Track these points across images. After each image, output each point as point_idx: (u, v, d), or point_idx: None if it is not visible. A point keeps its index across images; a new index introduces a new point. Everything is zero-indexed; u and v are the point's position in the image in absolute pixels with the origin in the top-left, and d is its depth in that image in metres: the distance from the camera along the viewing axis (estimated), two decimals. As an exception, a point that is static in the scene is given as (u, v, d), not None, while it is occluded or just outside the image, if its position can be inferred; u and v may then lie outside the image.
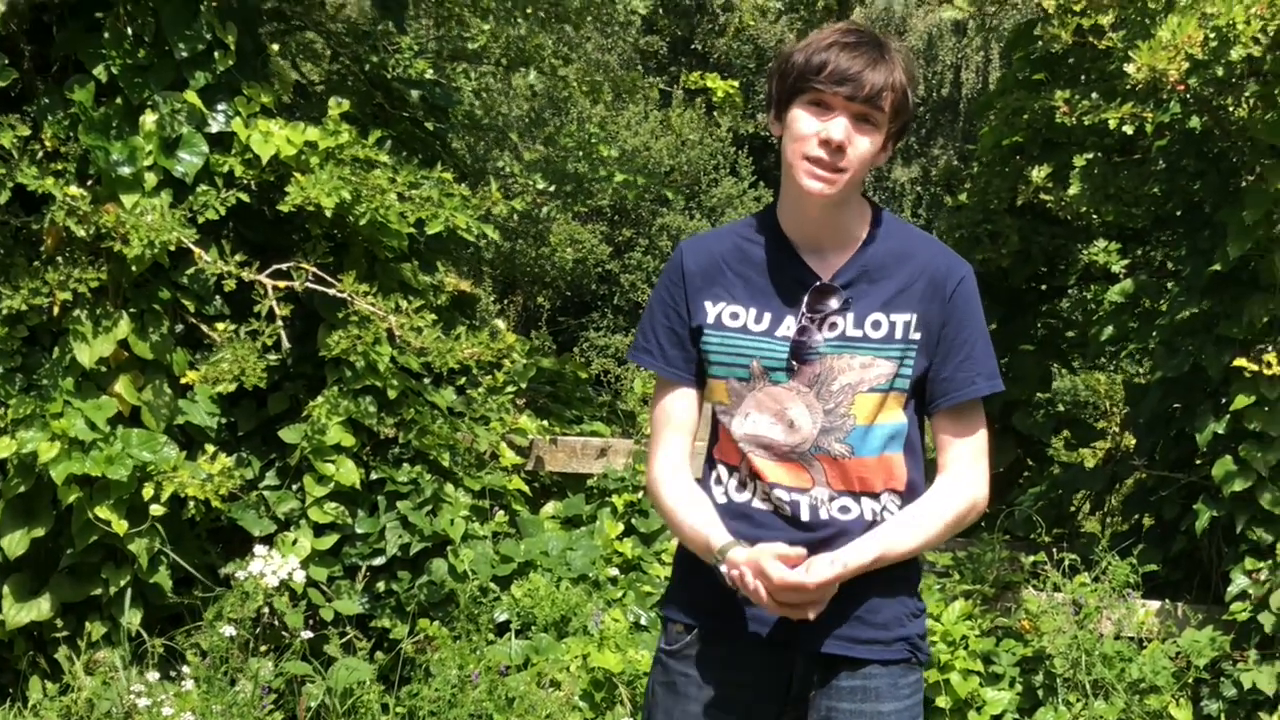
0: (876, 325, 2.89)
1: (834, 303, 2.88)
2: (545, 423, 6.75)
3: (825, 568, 2.75)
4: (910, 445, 2.96)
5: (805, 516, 2.90)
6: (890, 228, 2.97)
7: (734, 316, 2.92)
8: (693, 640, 2.97)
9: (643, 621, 6.12)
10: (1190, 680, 5.76)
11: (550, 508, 6.68)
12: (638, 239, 19.28)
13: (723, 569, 2.81)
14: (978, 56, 21.39)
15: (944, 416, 2.97)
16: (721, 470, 2.97)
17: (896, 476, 2.94)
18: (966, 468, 2.96)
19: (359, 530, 6.21)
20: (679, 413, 2.99)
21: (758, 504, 2.93)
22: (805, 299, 2.89)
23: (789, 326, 2.89)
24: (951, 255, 2.98)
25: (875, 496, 2.92)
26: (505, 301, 16.22)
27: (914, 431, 2.97)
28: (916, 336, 2.90)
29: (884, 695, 2.90)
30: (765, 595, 2.75)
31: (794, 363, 2.88)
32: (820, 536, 2.88)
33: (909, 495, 2.95)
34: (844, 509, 2.91)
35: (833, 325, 2.88)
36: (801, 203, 2.88)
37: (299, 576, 5.71)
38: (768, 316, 2.91)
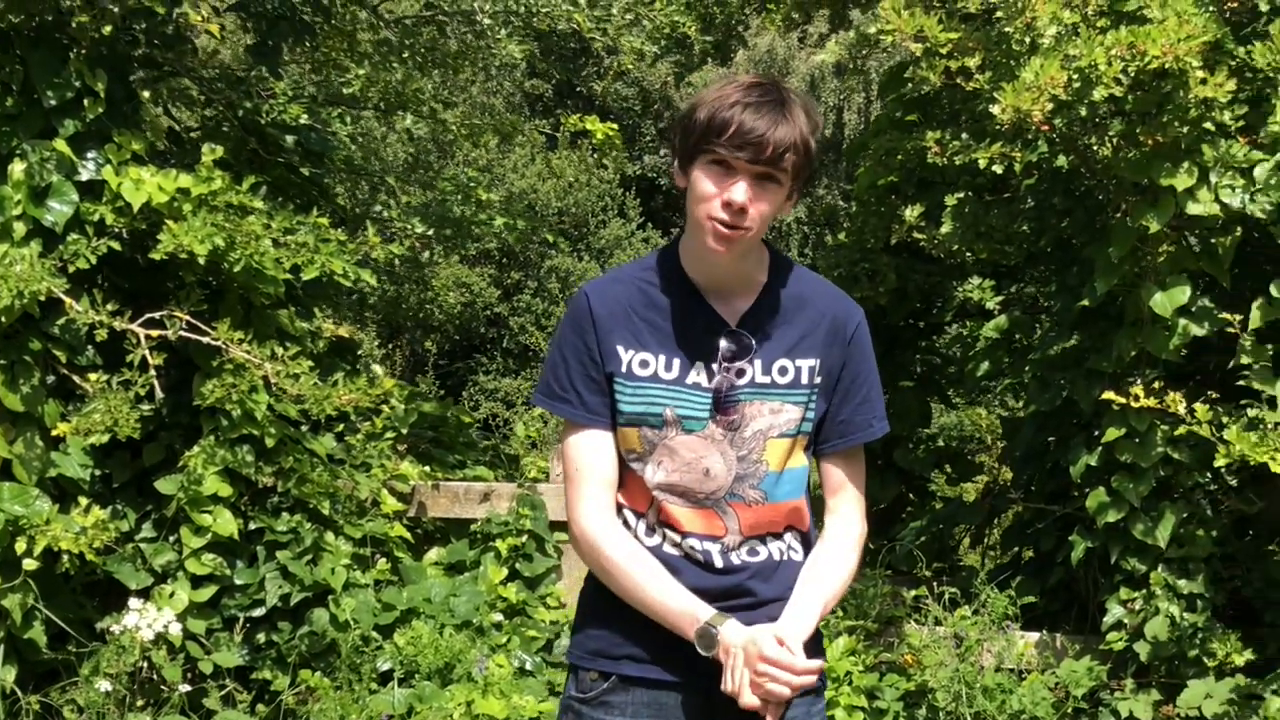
0: (783, 371, 2.91)
1: (743, 349, 2.90)
2: (427, 468, 6.71)
3: (798, 643, 2.77)
4: (808, 485, 3.01)
5: (718, 563, 2.91)
6: (787, 271, 2.99)
7: (644, 364, 2.90)
8: (610, 687, 2.94)
9: (528, 667, 6.09)
10: (1069, 710, 5.83)
11: (433, 554, 6.63)
12: (526, 282, 19.26)
13: (714, 635, 2.78)
14: (859, 98, 21.66)
15: (838, 456, 3.01)
16: (628, 515, 2.96)
17: (802, 519, 2.99)
18: (856, 508, 3.03)
19: (238, 581, 6.14)
20: (601, 459, 2.94)
21: (668, 549, 2.92)
22: (720, 346, 2.90)
23: (699, 372, 2.90)
24: (847, 298, 3.02)
25: (779, 536, 2.96)
26: (391, 346, 16.12)
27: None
28: (819, 380, 2.93)
29: None
30: (746, 685, 2.74)
31: (717, 413, 2.89)
32: (733, 581, 2.91)
33: (805, 532, 3.01)
34: (753, 551, 2.93)
35: (741, 372, 2.90)
36: (706, 253, 2.88)
37: (175, 629, 5.63)
38: (676, 363, 2.90)
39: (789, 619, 2.85)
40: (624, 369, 2.91)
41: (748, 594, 2.92)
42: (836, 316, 2.96)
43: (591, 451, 2.94)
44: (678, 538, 2.91)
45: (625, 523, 2.95)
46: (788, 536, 2.97)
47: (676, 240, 3.00)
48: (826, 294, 3.00)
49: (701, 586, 2.87)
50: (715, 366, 2.89)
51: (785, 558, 2.96)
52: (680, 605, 2.83)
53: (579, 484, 2.95)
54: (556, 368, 2.97)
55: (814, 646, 2.95)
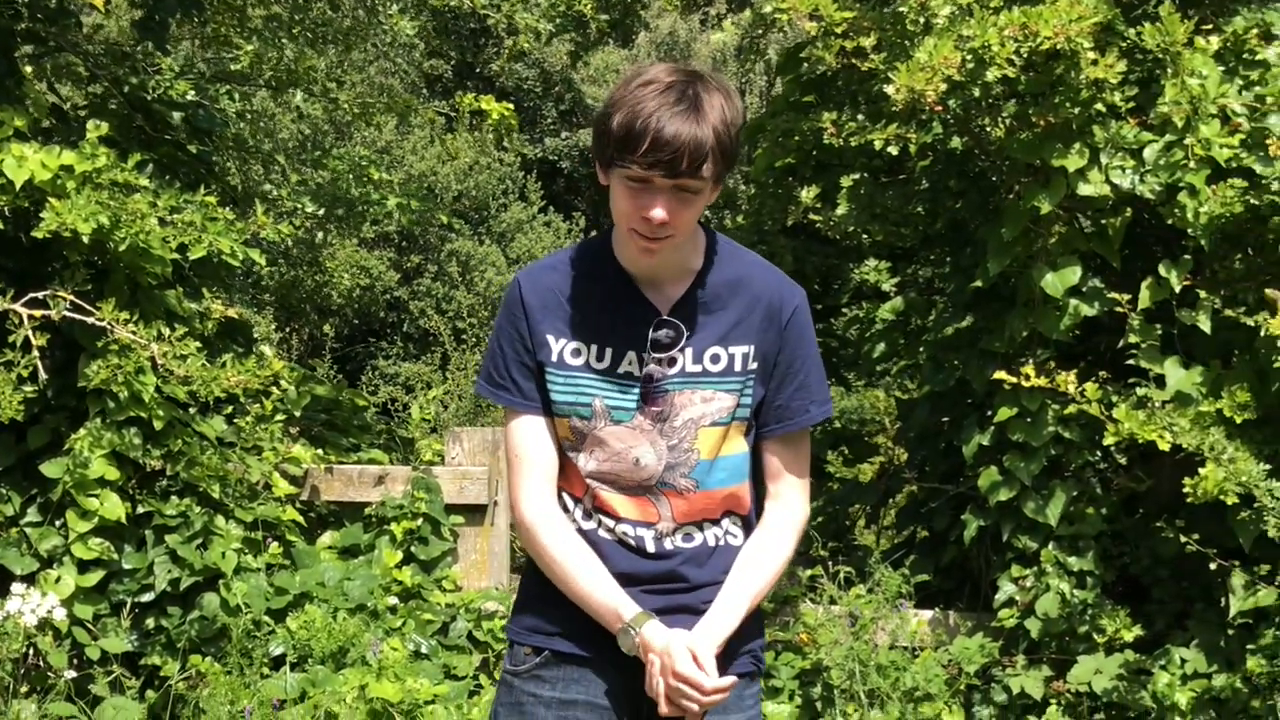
0: (715, 359, 2.90)
1: (674, 338, 2.88)
2: (320, 451, 6.63)
3: (710, 658, 2.78)
4: (750, 471, 3.02)
5: (651, 549, 2.92)
6: (724, 255, 2.97)
7: (576, 353, 2.90)
8: (542, 661, 2.97)
9: (423, 650, 6.04)
10: (962, 687, 5.88)
11: (327, 538, 6.55)
12: (426, 265, 19.11)
13: (633, 637, 2.81)
14: (760, 80, 21.70)
15: (776, 442, 3.01)
16: (567, 500, 2.97)
17: (741, 504, 3.00)
18: (797, 493, 3.03)
19: (126, 565, 6.03)
20: (541, 445, 2.95)
21: (603, 534, 2.94)
22: (649, 337, 2.88)
23: (630, 362, 2.89)
24: (785, 282, 3.00)
25: (716, 522, 2.97)
26: (288, 330, 15.93)
27: (751, 456, 3.02)
28: (754, 367, 2.92)
29: (730, 707, 2.93)
30: (662, 692, 2.78)
31: (643, 403, 2.89)
32: (665, 566, 2.93)
33: (747, 516, 3.02)
34: (688, 537, 2.95)
35: (672, 361, 2.89)
36: (631, 253, 2.88)
37: (59, 614, 5.52)
38: (609, 353, 2.89)
39: (709, 621, 2.87)
40: (554, 358, 2.90)
41: (679, 579, 2.94)
42: (772, 301, 2.94)
43: (531, 438, 2.95)
44: (612, 523, 2.93)
45: (565, 507, 2.97)
46: (725, 522, 2.98)
47: (610, 228, 2.97)
48: (764, 277, 2.97)
49: (634, 571, 2.90)
50: (646, 356, 2.88)
51: (722, 543, 2.97)
52: (606, 599, 2.86)
53: (519, 471, 2.96)
54: (495, 356, 2.97)
55: (755, 626, 3.01)
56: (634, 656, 2.85)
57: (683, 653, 2.76)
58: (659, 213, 2.75)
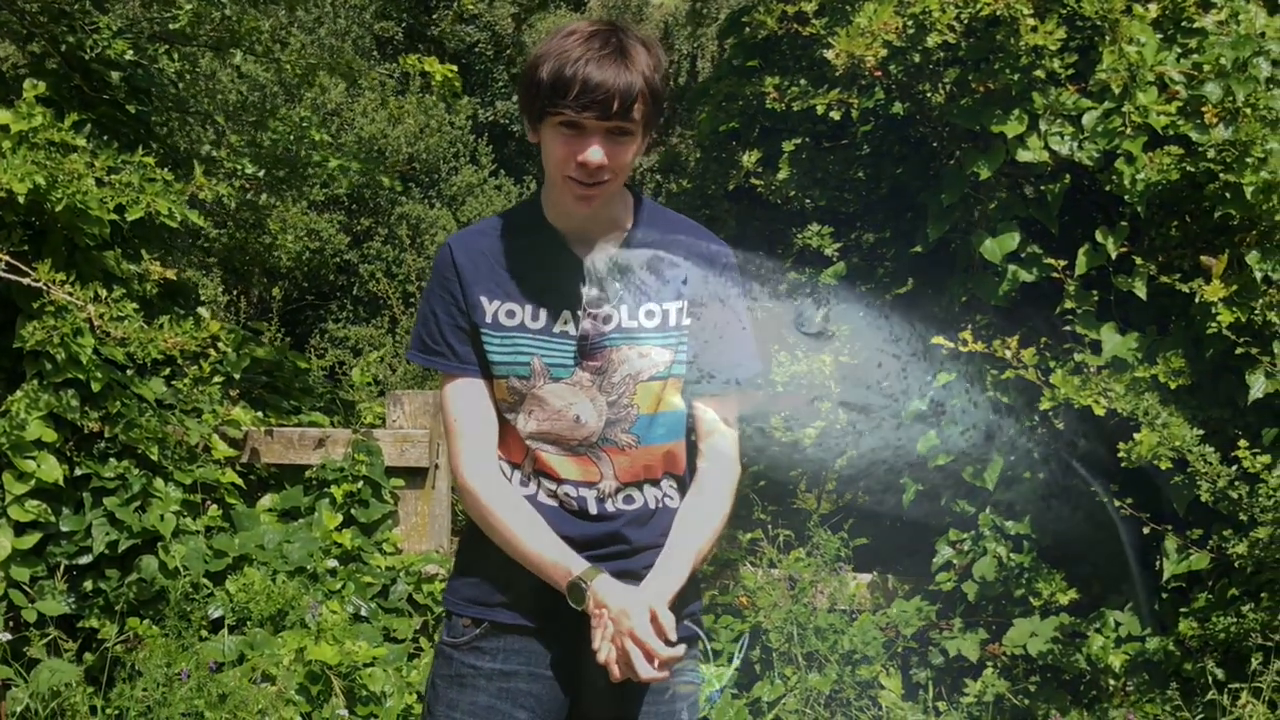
0: (650, 314, 2.92)
1: (608, 294, 2.89)
2: (261, 414, 6.60)
3: (669, 619, 2.75)
4: (686, 430, 3.04)
5: (593, 510, 2.94)
6: (652, 214, 3.00)
7: (510, 314, 2.91)
8: (482, 633, 2.97)
9: (363, 613, 6.04)
10: (900, 649, 5.93)
11: (267, 500, 6.53)
12: (377, 228, 18.99)
13: (584, 592, 2.79)
14: (713, 45, 21.64)
15: (706, 399, 3.03)
16: (504, 466, 2.97)
17: (678, 463, 3.02)
18: (729, 449, 3.05)
19: (64, 528, 6.00)
20: (478, 407, 2.96)
21: (544, 498, 2.94)
22: (582, 294, 2.89)
23: (565, 321, 2.91)
24: (713, 239, 3.03)
25: (656, 483, 2.98)
26: (235, 293, 15.81)
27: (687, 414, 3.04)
28: (688, 322, 2.95)
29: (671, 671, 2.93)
30: (614, 660, 2.75)
31: (581, 359, 2.89)
32: (607, 528, 2.94)
33: (683, 476, 3.04)
34: (629, 499, 2.96)
35: (608, 318, 2.90)
36: (569, 208, 2.89)
37: (-6, 576, 5.50)
38: (543, 313, 2.91)
39: (660, 581, 2.85)
40: (488, 319, 2.91)
41: (622, 541, 2.95)
42: (701, 257, 2.96)
43: (468, 401, 2.95)
44: (553, 485, 2.94)
45: (503, 473, 2.96)
46: (664, 484, 3.00)
47: (539, 189, 2.99)
48: (692, 235, 3.01)
49: (575, 534, 2.91)
50: (580, 313, 2.89)
51: (661, 505, 2.99)
52: (553, 557, 2.85)
53: (457, 436, 2.97)
54: (427, 321, 2.97)
55: (692, 591, 3.01)
56: (576, 627, 2.84)
57: (642, 614, 2.74)
58: (596, 152, 2.78)
